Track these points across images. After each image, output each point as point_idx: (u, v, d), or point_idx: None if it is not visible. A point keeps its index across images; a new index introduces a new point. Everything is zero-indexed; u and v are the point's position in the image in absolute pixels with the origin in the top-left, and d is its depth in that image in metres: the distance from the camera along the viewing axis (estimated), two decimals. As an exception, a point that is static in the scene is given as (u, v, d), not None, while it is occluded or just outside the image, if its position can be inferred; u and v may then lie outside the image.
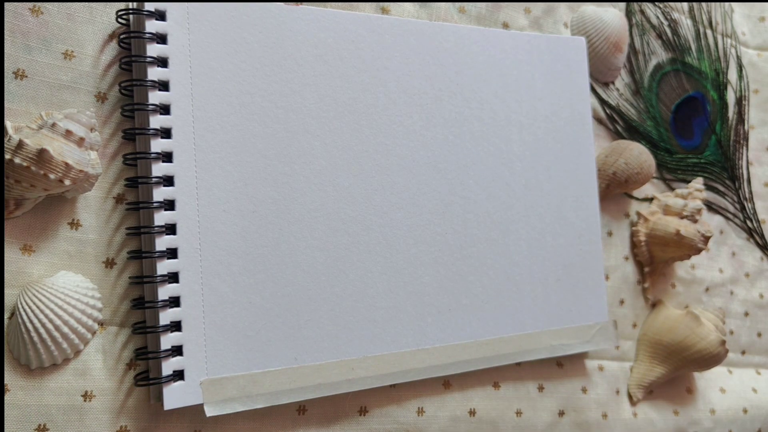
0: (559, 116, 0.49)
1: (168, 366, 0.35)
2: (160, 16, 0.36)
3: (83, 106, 0.36)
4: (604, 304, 0.50)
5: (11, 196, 0.33)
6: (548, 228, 0.48)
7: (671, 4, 0.60)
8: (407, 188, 0.42)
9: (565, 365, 0.49)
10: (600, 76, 0.56)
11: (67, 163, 0.32)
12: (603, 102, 0.55)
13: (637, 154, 0.52)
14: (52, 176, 0.32)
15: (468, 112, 0.45)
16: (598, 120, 0.55)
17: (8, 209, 0.33)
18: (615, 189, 0.53)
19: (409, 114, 0.43)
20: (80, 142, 0.33)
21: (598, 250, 0.50)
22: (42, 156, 0.31)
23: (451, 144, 0.44)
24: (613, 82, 0.57)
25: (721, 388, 0.58)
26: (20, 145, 0.31)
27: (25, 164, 0.31)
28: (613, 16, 0.54)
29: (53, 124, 0.32)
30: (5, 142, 0.32)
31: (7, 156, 0.31)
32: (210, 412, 0.35)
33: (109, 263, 0.36)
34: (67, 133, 0.33)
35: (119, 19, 0.35)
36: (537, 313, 0.46)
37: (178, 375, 0.35)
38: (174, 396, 0.35)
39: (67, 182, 0.32)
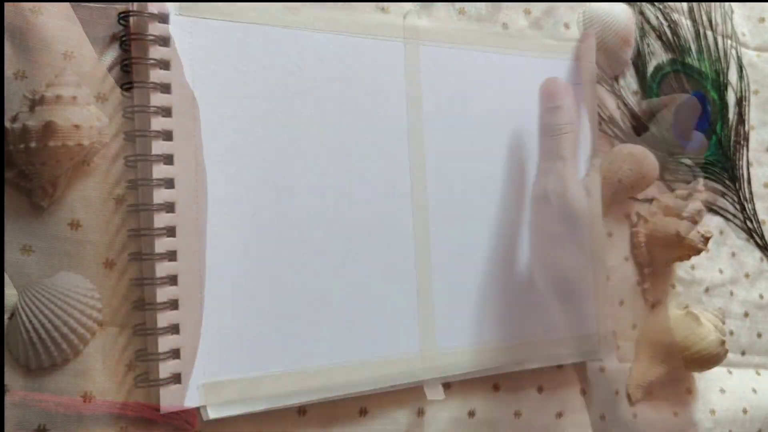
0: None
1: (166, 368, 0.35)
2: (163, 19, 0.36)
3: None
4: (602, 314, 0.49)
5: (45, 181, 0.33)
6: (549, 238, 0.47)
7: (671, 4, 0.60)
8: (407, 193, 0.42)
9: (565, 366, 0.49)
10: (609, 70, 0.56)
11: (75, 125, 0.33)
12: (617, 96, 0.56)
13: (641, 159, 0.52)
14: (70, 143, 0.32)
15: (468, 115, 0.45)
16: (603, 118, 0.55)
17: (47, 194, 0.34)
18: (621, 195, 0.53)
19: (409, 117, 0.43)
20: (74, 100, 0.33)
21: (597, 261, 0.50)
22: (50, 128, 0.32)
23: (451, 148, 0.44)
24: (618, 77, 0.57)
25: (721, 388, 0.58)
26: (25, 129, 0.32)
27: (40, 144, 0.32)
28: (622, 10, 0.55)
29: (42, 98, 0.33)
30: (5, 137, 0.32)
31: (21, 145, 0.32)
32: (212, 414, 0.35)
33: (109, 264, 0.36)
34: (58, 99, 0.33)
35: (120, 21, 0.35)
36: (536, 323, 0.46)
37: (177, 378, 0.35)
38: (171, 398, 0.35)
39: (85, 142, 0.33)
